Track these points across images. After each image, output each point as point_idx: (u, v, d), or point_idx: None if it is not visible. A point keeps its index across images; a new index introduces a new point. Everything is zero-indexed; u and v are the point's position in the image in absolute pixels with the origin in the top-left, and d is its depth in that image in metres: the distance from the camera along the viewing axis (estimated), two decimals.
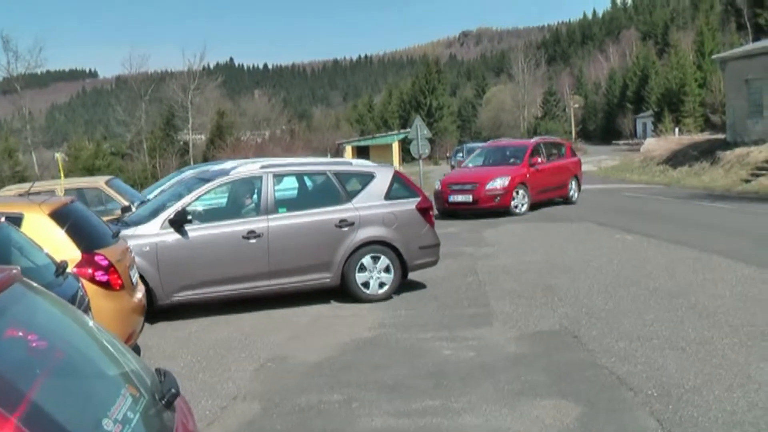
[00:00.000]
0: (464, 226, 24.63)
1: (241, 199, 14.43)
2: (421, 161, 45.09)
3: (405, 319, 12.01)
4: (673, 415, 7.32)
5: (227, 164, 17.46)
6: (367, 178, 14.04)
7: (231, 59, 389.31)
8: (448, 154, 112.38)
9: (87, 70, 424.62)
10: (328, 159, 15.89)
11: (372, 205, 13.63)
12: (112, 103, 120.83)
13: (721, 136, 52.24)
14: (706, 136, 61.60)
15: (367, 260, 13.52)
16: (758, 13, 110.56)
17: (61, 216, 9.49)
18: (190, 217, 12.70)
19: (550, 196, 29.57)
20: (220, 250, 12.81)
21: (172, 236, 12.47)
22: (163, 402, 3.80)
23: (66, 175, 32.18)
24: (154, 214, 12.96)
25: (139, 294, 10.23)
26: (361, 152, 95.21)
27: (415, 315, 12.22)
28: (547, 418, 7.46)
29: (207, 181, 13.66)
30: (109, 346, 4.15)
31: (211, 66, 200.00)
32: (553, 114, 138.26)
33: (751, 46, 56.27)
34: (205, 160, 69.04)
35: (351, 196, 13.72)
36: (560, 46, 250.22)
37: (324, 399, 8.35)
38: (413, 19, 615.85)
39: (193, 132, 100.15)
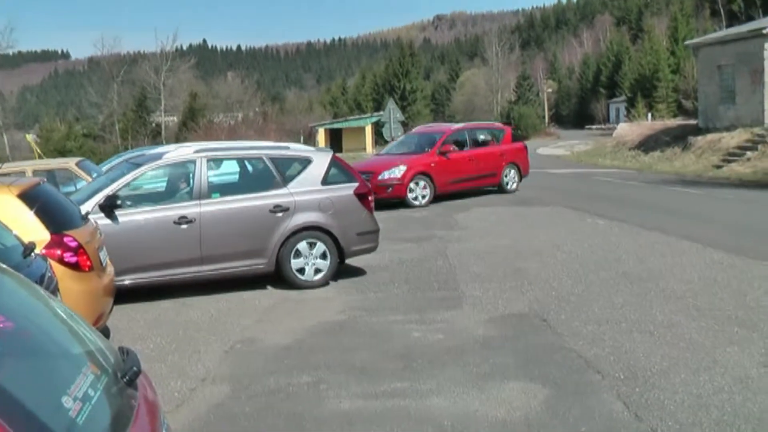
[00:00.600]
0: (436, 209, 24.67)
1: (175, 184, 14.29)
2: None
3: (374, 302, 12.02)
4: (640, 398, 7.36)
5: (163, 148, 17.17)
6: (304, 163, 13.84)
7: (204, 41, 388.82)
8: None
9: (59, 51, 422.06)
10: (266, 143, 15.51)
11: (308, 191, 13.43)
12: (85, 85, 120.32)
13: (693, 121, 52.43)
14: (679, 121, 61.86)
15: (302, 246, 13.33)
16: None
17: (30, 197, 9.43)
18: (119, 202, 12.56)
19: (470, 186, 28.08)
20: (151, 236, 12.67)
21: (102, 221, 12.08)
22: (125, 380, 3.79)
23: (39, 156, 32.03)
24: (88, 198, 12.73)
25: (109, 275, 10.19)
26: (334, 135, 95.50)
27: (384, 298, 12.24)
28: (514, 401, 7.48)
29: (139, 165, 13.45)
30: (73, 326, 4.14)
31: (184, 47, 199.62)
32: (527, 98, 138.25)
33: (723, 33, 56.44)
34: (178, 142, 68.83)
35: (287, 181, 13.52)
36: (534, 30, 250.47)
37: (293, 381, 8.35)
38: (387, 2, 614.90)
39: (165, 114, 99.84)
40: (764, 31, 40.28)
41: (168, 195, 14.00)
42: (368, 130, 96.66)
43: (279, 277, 13.39)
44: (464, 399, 7.60)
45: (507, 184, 29.02)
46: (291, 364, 8.96)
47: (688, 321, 9.94)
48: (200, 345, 10.00)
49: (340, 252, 13.60)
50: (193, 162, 13.26)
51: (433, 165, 26.92)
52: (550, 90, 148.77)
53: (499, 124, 33.92)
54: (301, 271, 13.33)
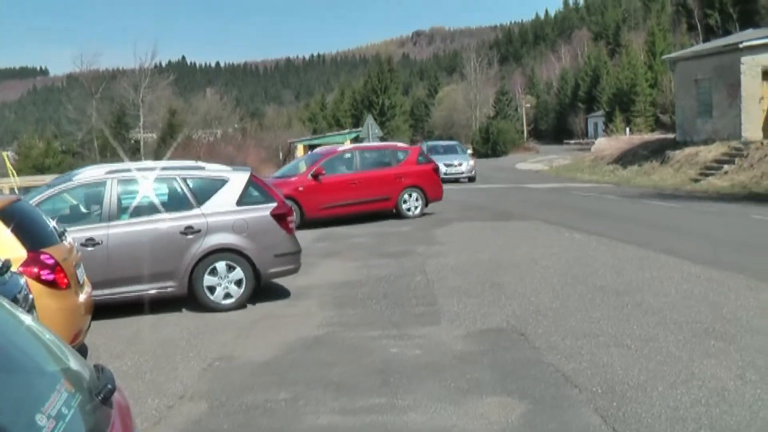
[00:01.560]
0: (416, 224, 24.68)
1: (86, 206, 14.04)
2: None
3: (353, 317, 12.02)
4: (617, 412, 7.38)
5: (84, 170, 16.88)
6: (219, 183, 13.61)
7: (183, 57, 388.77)
8: None
9: (38, 68, 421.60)
10: (181, 163, 15.13)
11: (222, 212, 13.19)
12: (63, 102, 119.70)
13: (671, 135, 52.75)
14: (657, 135, 62.14)
15: (216, 269, 13.10)
16: (709, 14, 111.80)
17: (6, 215, 9.40)
18: None
19: (354, 210, 26.46)
20: None
21: None
22: (100, 398, 3.78)
23: (12, 174, 31.94)
24: None
25: (86, 293, 10.16)
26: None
27: (363, 314, 12.23)
28: (492, 415, 7.49)
29: (50, 187, 13.30)
30: (48, 343, 4.13)
31: (163, 64, 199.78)
32: (505, 113, 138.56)
33: (700, 47, 56.92)
34: (157, 158, 68.70)
35: (201, 202, 13.25)
36: (512, 46, 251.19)
37: (270, 398, 8.34)
38: (366, 18, 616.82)
39: (144, 131, 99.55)
40: (741, 46, 40.57)
41: (78, 217, 13.73)
42: (347, 145, 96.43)
43: (192, 300, 13.19)
44: (442, 414, 7.61)
45: (408, 209, 27.12)
46: (269, 381, 8.95)
47: (665, 334, 9.97)
48: (178, 362, 9.97)
49: (256, 274, 13.31)
50: (104, 183, 13.06)
51: (300, 189, 25.88)
52: (528, 105, 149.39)
53: (403, 145, 31.80)
54: (216, 293, 13.09)
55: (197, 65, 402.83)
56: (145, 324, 12.23)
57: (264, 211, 13.47)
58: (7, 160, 31.28)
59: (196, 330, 11.66)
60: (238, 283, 13.15)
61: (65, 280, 9.32)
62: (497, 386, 8.33)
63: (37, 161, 76.22)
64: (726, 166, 37.83)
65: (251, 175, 14.01)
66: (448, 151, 51.94)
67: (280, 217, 13.57)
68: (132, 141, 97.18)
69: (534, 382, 8.40)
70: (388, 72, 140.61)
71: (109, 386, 3.83)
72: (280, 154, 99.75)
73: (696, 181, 37.83)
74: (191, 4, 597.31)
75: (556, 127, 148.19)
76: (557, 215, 25.62)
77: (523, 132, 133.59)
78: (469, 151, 55.83)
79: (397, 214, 26.94)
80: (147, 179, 13.80)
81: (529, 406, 7.70)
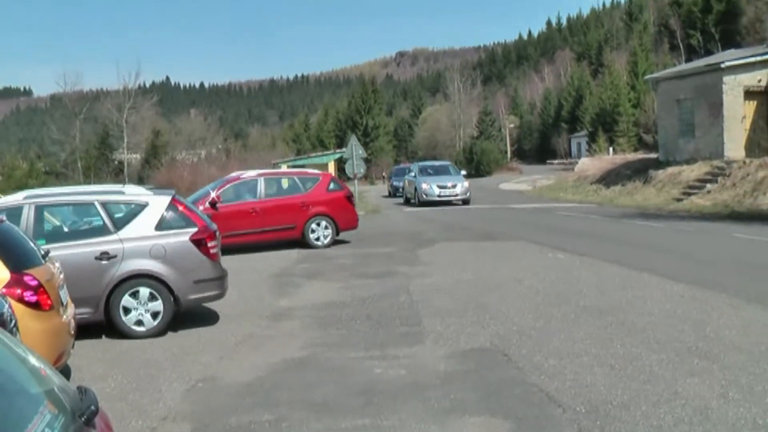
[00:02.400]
0: (400, 245, 24.69)
1: None
2: (356, 181, 45.13)
3: (336, 338, 12.01)
4: (601, 431, 7.40)
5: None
6: (138, 208, 13.32)
7: (167, 78, 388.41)
8: (384, 174, 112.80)
9: (21, 88, 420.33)
10: (100, 187, 14.86)
11: (140, 237, 12.89)
12: (47, 122, 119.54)
13: (653, 155, 52.98)
14: (640, 155, 62.33)
15: (133, 294, 12.83)
16: (691, 34, 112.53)
17: None
18: None
19: (255, 240, 25.35)
20: None
21: None
22: (83, 419, 3.78)
23: None
24: None
25: (69, 315, 10.13)
26: None
27: (346, 334, 12.22)
28: None
29: None
30: (31, 365, 4.13)
31: (147, 84, 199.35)
32: (489, 134, 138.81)
33: (682, 67, 57.25)
34: (140, 179, 68.66)
35: (118, 226, 12.97)
36: (496, 66, 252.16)
37: (254, 419, 8.31)
38: (350, 39, 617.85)
39: (128, 151, 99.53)
40: (722, 66, 40.86)
41: None
42: (331, 166, 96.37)
43: (110, 327, 12.95)
44: None
45: (316, 239, 25.90)
46: (252, 402, 8.93)
47: (648, 353, 10.00)
48: (161, 383, 9.94)
49: (176, 300, 13.03)
50: (21, 208, 12.78)
51: None
52: (512, 125, 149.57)
53: (313, 172, 29.74)
54: (135, 320, 12.84)
55: (181, 85, 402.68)
56: (128, 345, 12.19)
57: (183, 236, 13.19)
58: None
59: (179, 351, 11.63)
60: (156, 305, 12.90)
61: (48, 302, 9.29)
62: (481, 406, 8.33)
63: (21, 182, 75.84)
64: (708, 186, 38.01)
65: (172, 199, 13.68)
66: (441, 171, 49.17)
67: (200, 242, 13.26)
68: (116, 162, 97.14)
69: (518, 401, 8.41)
70: (371, 92, 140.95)
71: (93, 408, 3.83)
72: None
73: (679, 200, 37.98)
74: (175, 24, 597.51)
75: (539, 147, 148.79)
76: (541, 235, 25.69)
77: (506, 152, 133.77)
78: (463, 172, 52.34)
79: (305, 244, 25.70)
80: (65, 204, 13.78)
81: (513, 425, 7.71)
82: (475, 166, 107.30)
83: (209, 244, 13.36)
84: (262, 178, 26.55)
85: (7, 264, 9.25)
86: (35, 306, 9.15)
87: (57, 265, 10.64)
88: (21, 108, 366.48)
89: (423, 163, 56.32)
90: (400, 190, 57.89)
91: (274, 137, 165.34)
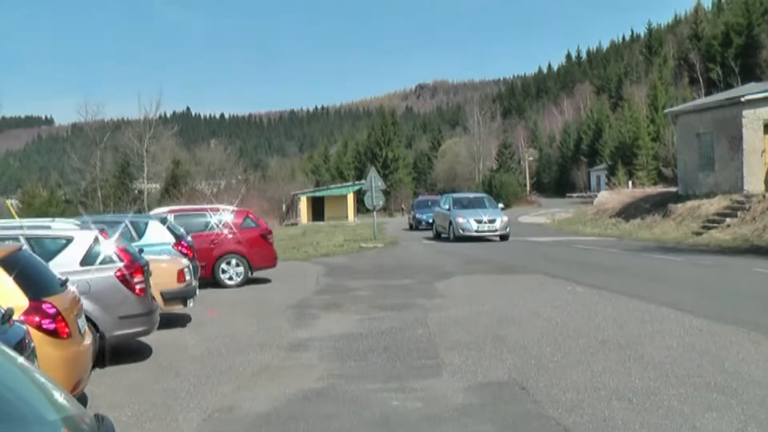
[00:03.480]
0: (418, 278, 24.67)
1: None
2: (375, 212, 45.10)
3: (354, 370, 11.98)
4: None
5: None
6: (63, 242, 13.16)
7: (187, 108, 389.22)
8: (403, 206, 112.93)
9: (43, 117, 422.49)
10: (30, 221, 14.57)
11: (63, 272, 12.00)
12: (68, 151, 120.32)
13: (673, 189, 52.91)
14: (659, 189, 62.35)
15: None
16: (710, 67, 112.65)
17: (9, 263, 9.45)
18: None
19: None
20: None
21: None
22: None
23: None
24: None
25: (87, 342, 10.16)
26: (316, 203, 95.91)
27: (364, 366, 12.20)
28: None
29: None
30: (49, 392, 4.14)
31: (168, 115, 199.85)
32: (508, 166, 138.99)
33: (702, 101, 57.17)
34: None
35: (43, 261, 12.26)
36: (515, 99, 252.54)
37: None
38: (370, 71, 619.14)
39: (148, 181, 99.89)
40: (742, 99, 40.82)
41: None
42: (350, 198, 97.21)
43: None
44: None
45: (228, 278, 24.75)
46: None
47: (666, 388, 9.95)
48: (178, 413, 9.93)
49: (101, 336, 12.59)
50: None
51: None
52: (531, 158, 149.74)
53: (228, 207, 28.19)
54: None
55: (201, 116, 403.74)
56: (145, 374, 12.20)
57: (108, 271, 12.90)
58: (11, 208, 31.25)
59: (196, 380, 11.62)
60: None
61: (66, 329, 9.33)
62: None
63: (41, 210, 76.22)
64: (728, 219, 37.90)
65: (100, 233, 13.52)
66: (476, 204, 44.93)
67: (125, 277, 12.98)
68: (136, 191, 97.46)
69: None
70: (391, 125, 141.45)
71: None
72: (283, 206, 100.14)
73: (698, 234, 37.87)
74: (196, 55, 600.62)
75: (558, 180, 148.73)
76: (559, 268, 25.63)
77: (525, 185, 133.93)
78: (501, 205, 49.32)
79: (215, 283, 24.30)
80: None
81: None
82: (495, 198, 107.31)
83: (135, 280, 13.08)
84: (172, 215, 24.84)
85: (26, 291, 9.31)
86: (53, 333, 9.19)
87: (75, 292, 10.68)
88: (42, 137, 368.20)
89: (457, 195, 51.03)
90: (424, 223, 57.19)
91: (294, 168, 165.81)
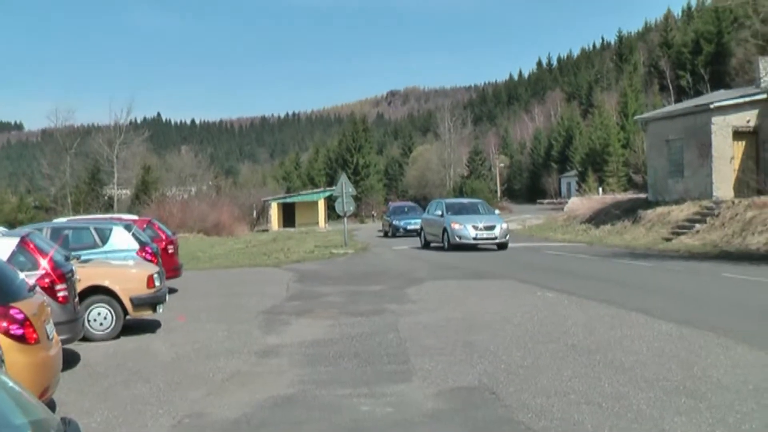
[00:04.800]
0: (389, 284, 24.68)
1: None
2: (345, 219, 45.11)
3: (324, 375, 11.97)
4: None
5: None
6: None
7: (158, 114, 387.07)
8: (374, 212, 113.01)
9: (12, 123, 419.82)
10: None
11: None
12: (37, 156, 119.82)
13: (643, 195, 53.16)
14: (629, 195, 62.54)
15: None
16: (680, 75, 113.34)
17: None
18: None
19: None
20: None
21: None
22: None
23: None
24: None
25: (56, 348, 10.11)
26: (287, 209, 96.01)
27: (334, 371, 12.18)
28: None
29: None
30: (16, 397, 4.13)
31: (138, 120, 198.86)
32: (479, 173, 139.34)
33: (672, 107, 57.61)
34: (131, 214, 68.59)
35: None
36: (486, 106, 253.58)
37: None
38: (341, 77, 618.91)
39: (118, 187, 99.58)
40: (712, 106, 41.11)
41: None
42: (321, 204, 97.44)
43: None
44: None
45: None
46: None
47: (636, 392, 9.99)
48: (147, 419, 9.89)
49: None
50: None
51: None
52: (502, 165, 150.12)
53: (129, 217, 27.71)
54: None
55: (172, 122, 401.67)
56: (115, 380, 12.15)
57: (29, 279, 12.12)
58: None
59: (166, 386, 11.58)
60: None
61: (34, 335, 9.28)
62: None
63: (10, 216, 75.91)
64: (697, 225, 38.12)
65: (21, 241, 13.39)
66: (471, 210, 41.60)
67: (47, 285, 12.71)
68: (106, 197, 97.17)
69: None
70: (362, 131, 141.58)
71: None
72: (254, 212, 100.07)
73: (668, 240, 38.07)
74: (167, 61, 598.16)
75: (529, 187, 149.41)
76: (530, 274, 25.71)
77: (496, 191, 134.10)
78: (497, 211, 45.74)
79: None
80: None
81: None
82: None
83: (57, 287, 12.88)
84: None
85: None
86: (21, 339, 9.15)
87: (44, 298, 10.63)
88: (12, 142, 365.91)
89: (450, 200, 48.95)
90: (402, 230, 56.25)
91: (265, 175, 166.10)
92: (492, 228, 38.26)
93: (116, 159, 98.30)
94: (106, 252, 19.75)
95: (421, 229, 44.61)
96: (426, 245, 42.24)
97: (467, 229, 38.07)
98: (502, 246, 38.31)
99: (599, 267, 28.47)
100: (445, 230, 39.28)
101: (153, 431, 9.38)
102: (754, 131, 41.03)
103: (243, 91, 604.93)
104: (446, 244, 38.90)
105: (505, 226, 39.19)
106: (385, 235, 60.06)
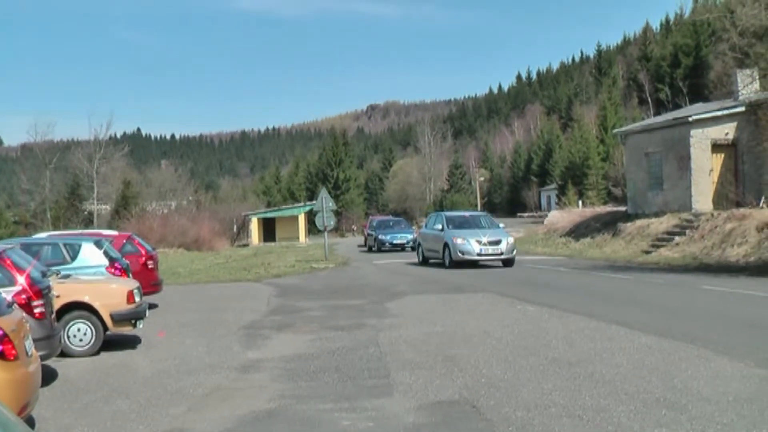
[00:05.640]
0: (369, 298, 24.67)
1: None
2: (326, 233, 45.10)
3: (305, 390, 11.94)
4: None
5: None
6: None
7: (138, 129, 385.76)
8: (354, 227, 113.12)
9: None
10: None
11: None
12: (17, 171, 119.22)
13: (622, 208, 53.41)
14: (609, 208, 62.86)
15: None
16: (659, 88, 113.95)
17: None
18: None
19: None
20: None
21: None
22: None
23: None
24: None
25: (34, 365, 10.06)
26: (267, 224, 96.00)
27: (315, 386, 12.16)
28: None
29: None
30: None
31: (118, 135, 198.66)
32: (459, 187, 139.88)
33: (651, 121, 57.83)
34: (110, 229, 68.46)
35: None
36: (466, 119, 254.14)
37: None
38: (321, 91, 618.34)
39: (98, 202, 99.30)
40: (690, 119, 41.30)
41: None
42: (301, 219, 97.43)
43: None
44: None
45: None
46: None
47: (616, 405, 10.00)
48: None
49: None
50: None
51: None
52: (482, 178, 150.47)
53: (109, 233, 27.55)
54: None
55: (152, 137, 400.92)
56: (95, 396, 12.08)
57: (6, 295, 11.97)
58: None
59: (146, 402, 11.53)
60: None
61: (13, 352, 9.23)
62: None
63: None
64: (677, 238, 38.28)
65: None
66: (473, 223, 38.63)
67: (23, 302, 12.56)
68: (86, 212, 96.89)
69: None
70: (342, 145, 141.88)
71: None
72: (235, 227, 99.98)
73: (647, 252, 38.21)
74: (147, 75, 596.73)
75: (509, 200, 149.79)
76: (510, 288, 25.75)
77: (476, 205, 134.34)
78: (502, 225, 41.95)
79: None
80: None
81: None
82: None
83: (33, 303, 12.79)
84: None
85: None
86: (0, 356, 9.09)
87: (23, 315, 10.59)
88: None
89: (451, 213, 43.90)
90: (388, 244, 55.52)
91: (245, 189, 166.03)
92: (497, 243, 35.83)
93: (96, 174, 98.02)
94: (75, 268, 19.68)
95: (418, 244, 41.89)
96: (424, 262, 39.89)
97: (470, 243, 35.54)
98: (507, 263, 36.02)
99: (579, 280, 28.54)
100: (446, 245, 36.62)
101: None
102: (732, 144, 41.26)
103: (223, 106, 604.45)
104: (447, 260, 36.35)
105: (511, 240, 36.88)
106: (369, 249, 59.16)
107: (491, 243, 35.67)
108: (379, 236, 57.39)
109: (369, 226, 63.50)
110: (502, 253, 35.61)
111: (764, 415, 9.32)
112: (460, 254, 35.48)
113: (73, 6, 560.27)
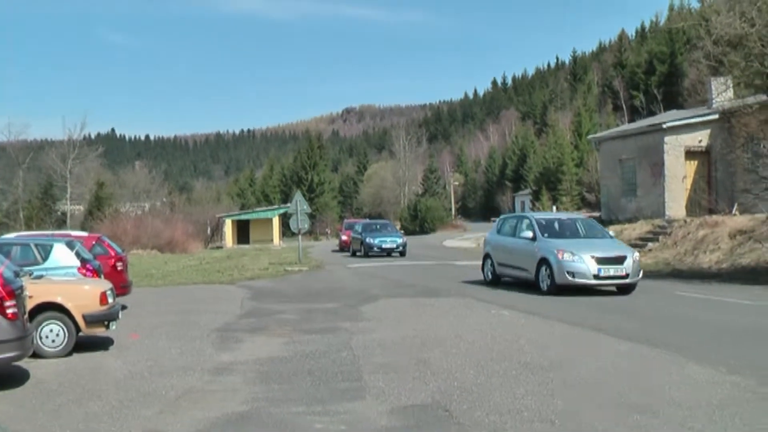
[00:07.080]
0: (344, 301, 24.64)
1: None
2: (300, 236, 45.07)
3: (278, 393, 11.92)
4: None
5: None
6: None
7: (112, 130, 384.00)
8: (328, 230, 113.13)
9: None
10: None
11: None
12: None
13: (596, 214, 53.49)
14: (582, 214, 62.92)
15: None
16: (634, 95, 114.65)
17: None
18: None
19: None
20: None
21: None
22: None
23: None
24: None
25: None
26: (242, 226, 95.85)
27: (288, 389, 12.13)
28: None
29: None
30: None
31: (92, 136, 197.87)
32: (434, 191, 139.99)
33: (625, 127, 58.20)
34: (83, 230, 68.26)
35: None
36: (441, 124, 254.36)
37: None
38: (297, 94, 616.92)
39: (71, 202, 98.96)
40: (664, 126, 41.59)
41: None
42: (275, 221, 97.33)
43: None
44: None
45: None
46: None
47: (589, 409, 10.04)
48: None
49: None
50: None
51: None
52: (456, 183, 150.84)
53: (78, 234, 27.27)
54: None
55: (126, 138, 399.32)
56: (68, 397, 12.02)
57: None
58: None
59: (119, 404, 11.48)
60: None
61: None
62: None
63: None
64: (650, 244, 38.51)
65: None
66: (574, 230, 27.89)
67: None
68: (59, 212, 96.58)
69: None
70: (317, 148, 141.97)
71: None
72: (208, 229, 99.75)
73: None
74: (121, 76, 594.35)
75: (483, 205, 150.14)
76: (485, 293, 25.77)
77: (451, 209, 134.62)
78: (612, 233, 29.25)
79: None
80: None
81: None
82: (420, 223, 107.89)
83: (6, 304, 12.54)
84: None
85: None
86: None
87: None
88: None
89: (541, 215, 31.04)
90: (376, 248, 52.08)
91: (219, 191, 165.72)
92: (620, 260, 24.92)
93: (69, 174, 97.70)
94: (46, 269, 19.57)
95: (487, 256, 30.39)
96: (495, 281, 29.29)
97: (583, 261, 24.73)
98: (628, 289, 25.31)
99: None
100: (543, 262, 25.78)
101: None
102: (706, 151, 41.55)
103: (198, 107, 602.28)
104: (546, 283, 25.58)
105: (637, 257, 25.80)
106: (353, 254, 56.11)
107: (612, 260, 24.97)
108: (367, 239, 53.57)
109: (353, 229, 60.70)
110: (626, 276, 24.89)
111: (735, 421, 9.37)
112: (568, 276, 24.86)
113: (48, 7, 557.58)
